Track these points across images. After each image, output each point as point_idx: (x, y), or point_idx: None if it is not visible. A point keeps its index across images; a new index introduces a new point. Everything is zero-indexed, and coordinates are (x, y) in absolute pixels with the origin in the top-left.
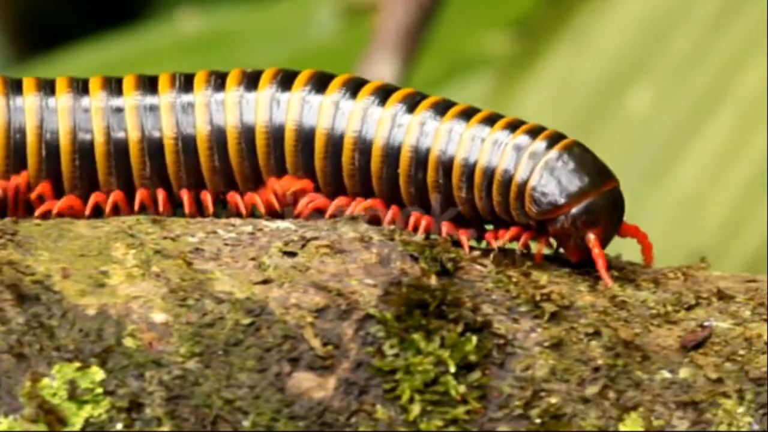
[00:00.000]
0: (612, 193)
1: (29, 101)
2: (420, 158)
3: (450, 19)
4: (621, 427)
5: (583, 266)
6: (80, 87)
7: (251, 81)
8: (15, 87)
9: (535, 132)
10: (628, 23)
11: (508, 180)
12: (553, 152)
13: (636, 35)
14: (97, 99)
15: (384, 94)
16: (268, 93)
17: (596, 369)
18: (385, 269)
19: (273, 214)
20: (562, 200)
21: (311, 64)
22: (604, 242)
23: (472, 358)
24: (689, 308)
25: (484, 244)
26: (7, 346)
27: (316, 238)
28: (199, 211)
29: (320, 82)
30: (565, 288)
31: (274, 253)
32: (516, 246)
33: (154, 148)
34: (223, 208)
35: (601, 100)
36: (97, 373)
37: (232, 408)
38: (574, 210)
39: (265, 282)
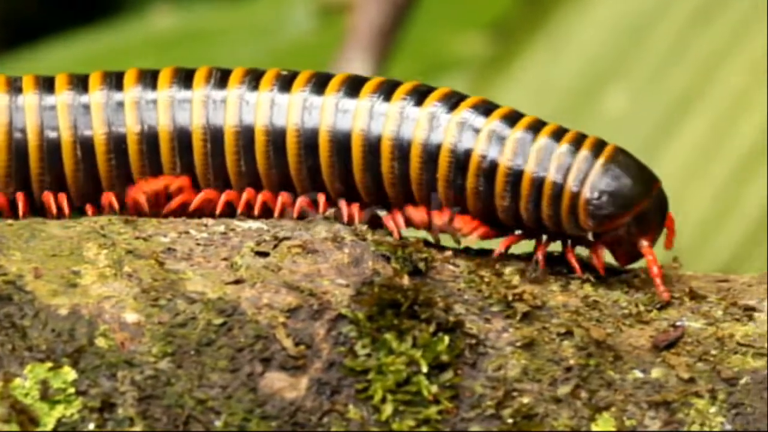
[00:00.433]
0: (659, 195)
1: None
2: (459, 163)
3: (425, 19)
4: (593, 427)
5: (558, 265)
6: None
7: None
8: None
9: (579, 141)
10: (604, 25)
11: (558, 193)
12: (603, 162)
13: (612, 37)
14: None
15: (421, 94)
16: (299, 97)
17: (568, 369)
18: (358, 269)
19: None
20: (618, 211)
21: (286, 62)
22: (653, 244)
23: (444, 358)
24: (661, 308)
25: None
26: None
27: (288, 238)
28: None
29: (353, 86)
30: (537, 288)
31: (246, 253)
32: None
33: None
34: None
35: (578, 101)
36: (69, 373)
37: (204, 408)
38: (629, 219)
39: (237, 282)
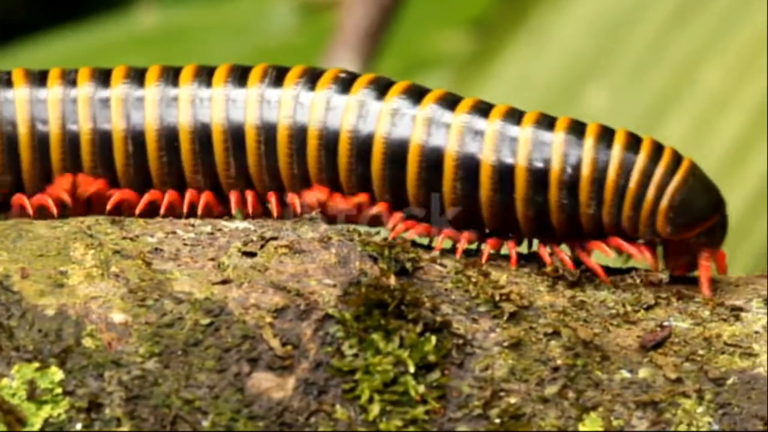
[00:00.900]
0: (725, 212)
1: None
2: (539, 179)
3: (408, 17)
4: (580, 427)
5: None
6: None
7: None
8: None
9: (658, 151)
10: (585, 22)
11: (640, 199)
12: (683, 174)
13: (592, 34)
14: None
15: (482, 112)
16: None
17: (555, 369)
18: (345, 269)
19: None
20: (695, 222)
21: (269, 59)
22: (712, 259)
23: (432, 358)
24: (648, 308)
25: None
26: None
27: (275, 239)
28: None
29: (415, 93)
30: (525, 288)
31: (233, 253)
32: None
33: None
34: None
35: (558, 98)
36: (57, 374)
37: (191, 408)
38: (701, 230)
39: (225, 282)
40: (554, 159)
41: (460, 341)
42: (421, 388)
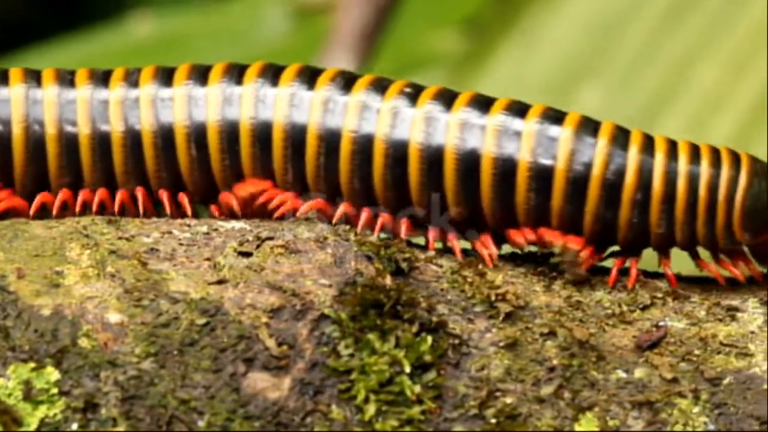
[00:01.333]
0: None
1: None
2: (612, 196)
3: (402, 17)
4: (576, 427)
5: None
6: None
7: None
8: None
9: (717, 155)
10: (578, 22)
11: (713, 211)
12: (747, 175)
13: (586, 34)
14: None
15: (555, 120)
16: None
17: (551, 369)
18: (340, 269)
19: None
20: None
21: None
22: None
23: (427, 358)
24: (644, 308)
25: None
26: None
27: (271, 239)
28: None
29: (482, 103)
30: (521, 288)
31: (229, 253)
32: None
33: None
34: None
35: (552, 98)
36: (53, 374)
37: (187, 408)
38: None
39: (220, 282)
40: (629, 176)
41: (456, 341)
42: (417, 388)
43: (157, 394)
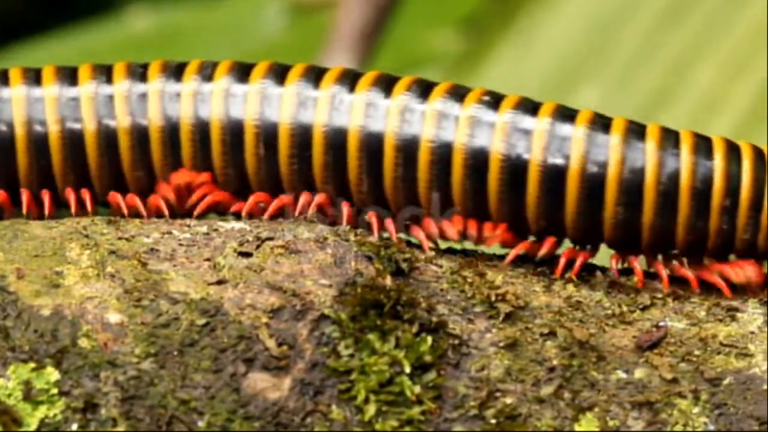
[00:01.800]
0: None
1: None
2: (701, 204)
3: (401, 16)
4: (576, 428)
5: (539, 266)
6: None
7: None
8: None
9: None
10: (576, 22)
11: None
12: None
13: (584, 34)
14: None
15: (637, 133)
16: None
17: (551, 369)
18: (340, 269)
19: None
20: None
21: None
22: None
23: (427, 358)
24: (644, 308)
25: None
26: None
27: (271, 239)
28: None
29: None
30: (520, 288)
31: (228, 253)
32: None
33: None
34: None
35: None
36: (53, 374)
37: (187, 408)
38: None
39: (220, 282)
40: (716, 183)
41: (456, 342)
42: (417, 389)
43: (157, 394)
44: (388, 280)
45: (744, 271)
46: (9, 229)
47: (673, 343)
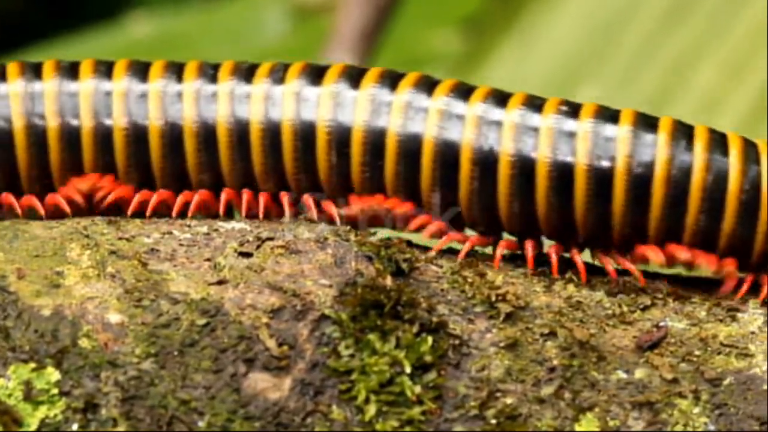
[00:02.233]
0: None
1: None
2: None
3: (402, 16)
4: (577, 428)
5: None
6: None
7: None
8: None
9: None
10: (577, 22)
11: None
12: None
13: (585, 34)
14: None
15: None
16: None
17: (552, 369)
18: (341, 270)
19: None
20: None
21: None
22: None
23: (428, 358)
24: (645, 308)
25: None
26: None
27: (271, 239)
28: None
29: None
30: (521, 288)
31: (229, 253)
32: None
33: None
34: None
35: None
36: (53, 374)
37: (187, 408)
38: None
39: (221, 283)
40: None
41: (457, 342)
42: (418, 389)
43: (158, 394)
44: (389, 280)
45: None
46: (9, 230)
47: (673, 344)
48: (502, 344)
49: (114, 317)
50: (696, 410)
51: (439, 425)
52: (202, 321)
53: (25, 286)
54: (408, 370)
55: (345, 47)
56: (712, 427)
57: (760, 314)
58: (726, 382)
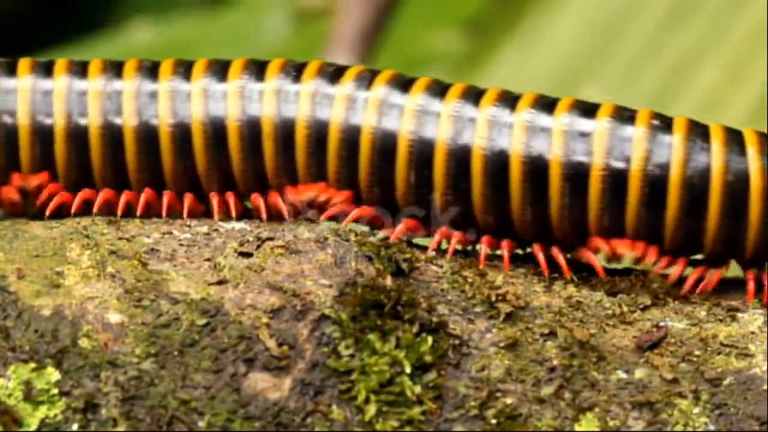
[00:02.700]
0: None
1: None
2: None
3: (402, 17)
4: (577, 428)
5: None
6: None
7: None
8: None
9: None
10: (579, 22)
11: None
12: None
13: (586, 34)
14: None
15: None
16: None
17: (552, 369)
18: (341, 270)
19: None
20: None
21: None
22: None
23: (428, 358)
24: (645, 308)
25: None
26: None
27: (271, 239)
28: None
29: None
30: (521, 288)
31: (229, 253)
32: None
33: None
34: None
35: None
36: (53, 374)
37: (187, 408)
38: None
39: (221, 283)
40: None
41: (457, 342)
42: (418, 389)
43: (158, 394)
44: (389, 281)
45: None
46: (9, 230)
47: (673, 344)
48: (502, 344)
49: (114, 317)
50: (696, 410)
51: (439, 425)
52: (202, 321)
53: (25, 286)
54: (408, 370)
55: (345, 48)
56: (712, 427)
57: (760, 314)
58: (726, 382)
